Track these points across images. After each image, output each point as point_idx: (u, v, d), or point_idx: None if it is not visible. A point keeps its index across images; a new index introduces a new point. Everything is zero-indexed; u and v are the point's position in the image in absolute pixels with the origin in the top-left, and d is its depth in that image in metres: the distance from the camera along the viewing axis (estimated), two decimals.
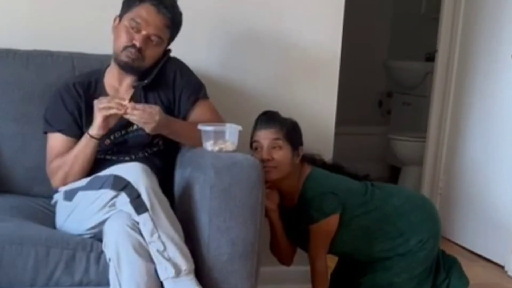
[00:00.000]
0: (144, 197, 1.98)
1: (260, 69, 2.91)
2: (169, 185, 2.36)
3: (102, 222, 2.05)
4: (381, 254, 2.72)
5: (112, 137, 2.33)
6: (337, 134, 3.12)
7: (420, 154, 4.44)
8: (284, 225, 2.69)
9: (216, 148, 2.17)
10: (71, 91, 2.37)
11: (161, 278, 1.96)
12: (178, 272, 1.96)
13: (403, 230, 2.71)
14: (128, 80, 2.38)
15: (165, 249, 1.96)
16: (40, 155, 2.46)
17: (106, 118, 2.17)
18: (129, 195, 1.99)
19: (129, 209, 1.99)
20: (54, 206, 2.32)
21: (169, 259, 1.96)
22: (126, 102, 2.15)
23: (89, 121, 2.27)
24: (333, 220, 2.60)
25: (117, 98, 2.19)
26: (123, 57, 2.30)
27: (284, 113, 2.63)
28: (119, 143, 2.33)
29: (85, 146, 2.23)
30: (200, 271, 2.10)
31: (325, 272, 2.65)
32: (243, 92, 2.88)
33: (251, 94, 2.89)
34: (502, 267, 3.56)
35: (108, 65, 2.44)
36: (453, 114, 4.14)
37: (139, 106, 2.17)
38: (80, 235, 2.10)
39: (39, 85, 2.52)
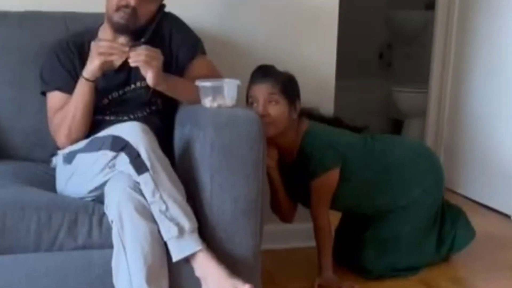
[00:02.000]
0: (144, 156, 1.95)
1: (258, 22, 2.86)
2: (169, 144, 2.33)
3: (103, 184, 2.03)
4: (384, 207, 2.71)
5: (110, 96, 2.30)
6: (337, 88, 3.07)
7: (423, 106, 4.40)
8: (284, 181, 2.67)
9: (215, 104, 2.13)
10: (65, 49, 2.34)
11: (165, 238, 1.95)
12: (181, 231, 1.94)
13: (406, 181, 2.70)
14: (123, 39, 2.33)
15: (167, 208, 1.94)
16: (38, 118, 2.44)
17: (104, 62, 2.13)
18: (128, 155, 1.96)
19: (129, 169, 1.96)
20: (54, 170, 2.29)
21: (172, 219, 1.94)
22: (127, 49, 2.10)
23: None
24: (333, 175, 2.58)
25: (117, 43, 2.13)
26: (117, 18, 2.25)
27: (283, 67, 2.59)
28: (117, 103, 2.30)
29: (83, 91, 2.19)
30: (203, 230, 2.08)
31: (328, 228, 2.64)
32: (240, 46, 2.83)
33: (249, 48, 2.84)
34: (508, 216, 3.56)
35: (101, 23, 2.39)
36: (455, 63, 4.09)
37: (140, 49, 2.11)
38: (81, 198, 2.09)
39: (33, 47, 2.47)
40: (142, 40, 2.30)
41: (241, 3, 2.83)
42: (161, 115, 2.33)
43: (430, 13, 4.45)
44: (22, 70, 2.48)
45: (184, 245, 1.95)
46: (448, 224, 2.85)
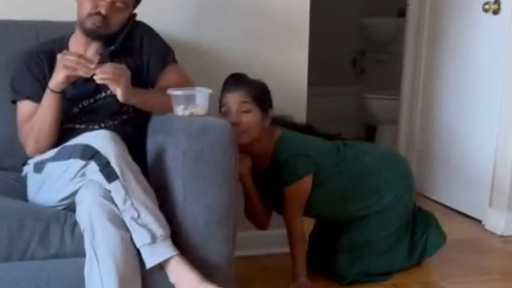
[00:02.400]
0: (114, 164, 1.95)
1: (229, 30, 2.86)
2: (142, 153, 2.33)
3: (74, 193, 2.02)
4: (357, 213, 2.73)
5: (80, 105, 2.29)
6: (311, 95, 3.09)
7: (396, 112, 4.43)
8: (258, 188, 2.68)
9: (187, 113, 2.14)
10: (35, 58, 2.33)
11: (138, 246, 1.94)
12: (154, 238, 1.94)
13: (378, 188, 2.72)
14: (94, 46, 2.33)
15: (139, 216, 1.94)
16: (8, 127, 2.42)
17: (69, 76, 2.12)
18: (98, 163, 1.96)
19: (100, 177, 1.96)
20: (25, 179, 2.28)
21: (144, 226, 1.94)
22: (93, 66, 2.09)
23: None
24: (306, 182, 2.59)
25: (83, 58, 2.11)
26: (89, 24, 2.26)
27: (255, 75, 2.59)
28: (88, 111, 2.30)
29: (49, 102, 2.18)
30: (177, 238, 2.08)
31: (302, 234, 2.66)
32: (212, 54, 2.83)
33: (221, 56, 2.84)
34: (479, 221, 3.60)
35: (72, 32, 2.39)
36: (426, 70, 4.13)
37: (106, 66, 2.10)
38: (52, 206, 2.08)
39: (4, 56, 2.45)
40: (112, 48, 2.30)
41: (212, 11, 2.84)
42: (132, 123, 2.33)
43: (402, 20, 4.49)
44: None
45: (157, 251, 1.95)
46: (420, 230, 2.88)
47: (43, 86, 2.27)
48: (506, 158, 3.42)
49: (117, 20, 2.28)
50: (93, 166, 1.97)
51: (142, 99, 2.24)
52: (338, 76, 5.84)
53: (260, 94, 2.56)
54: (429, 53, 4.11)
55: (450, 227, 3.18)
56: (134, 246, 1.95)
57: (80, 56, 2.11)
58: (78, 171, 1.99)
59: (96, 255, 1.92)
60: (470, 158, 3.71)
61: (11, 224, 1.95)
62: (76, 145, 2.03)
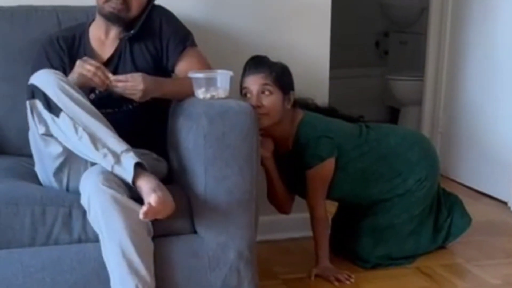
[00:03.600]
0: (53, 97, 1.95)
1: (250, 13, 2.84)
2: (160, 136, 2.33)
3: (51, 144, 2.02)
4: (380, 195, 2.71)
5: (97, 91, 2.29)
6: (334, 78, 3.07)
7: (419, 93, 4.39)
8: (280, 172, 2.66)
9: (208, 96, 2.13)
10: (55, 45, 2.34)
11: (109, 170, 1.93)
12: (117, 157, 1.93)
13: (401, 170, 2.70)
14: (114, 31, 2.34)
15: (96, 138, 1.94)
16: None
17: (83, 83, 2.12)
18: (39, 99, 1.96)
19: (48, 116, 1.96)
20: None
21: (103, 147, 1.94)
22: (110, 75, 2.10)
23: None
24: (329, 164, 2.58)
25: (101, 70, 2.10)
26: (108, 8, 2.26)
27: (276, 58, 2.57)
28: (104, 97, 2.28)
29: None
30: (199, 222, 2.09)
31: (325, 218, 2.64)
32: (232, 37, 2.81)
33: (240, 39, 2.82)
34: (505, 203, 3.56)
35: (93, 19, 2.40)
36: (451, 50, 4.08)
37: (121, 78, 2.12)
38: (56, 171, 2.07)
39: (25, 42, 2.46)
40: (132, 31, 2.30)
41: None
42: (149, 108, 2.30)
43: (426, 1, 4.44)
44: (14, 65, 2.46)
45: (124, 165, 1.94)
46: (444, 212, 2.86)
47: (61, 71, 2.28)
48: None
49: (136, 4, 2.28)
50: (38, 104, 1.97)
51: (163, 92, 2.22)
52: (361, 58, 5.80)
53: (281, 76, 2.54)
54: (453, 33, 4.05)
55: (475, 209, 3.14)
56: (142, 228, 1.94)
57: (98, 67, 2.11)
58: (32, 115, 1.98)
59: (103, 240, 1.93)
60: (495, 139, 3.66)
61: (34, 210, 1.97)
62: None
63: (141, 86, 2.11)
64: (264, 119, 2.45)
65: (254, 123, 2.08)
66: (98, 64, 2.13)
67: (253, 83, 2.49)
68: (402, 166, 2.70)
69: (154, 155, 2.26)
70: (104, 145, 1.94)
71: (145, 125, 2.16)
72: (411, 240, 2.74)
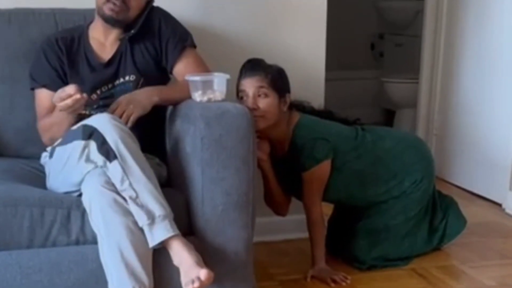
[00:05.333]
0: (110, 142, 1.95)
1: (246, 15, 2.85)
2: (160, 138, 2.34)
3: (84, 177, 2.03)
4: (376, 198, 2.73)
5: (98, 91, 2.31)
6: (329, 79, 3.08)
7: (414, 96, 4.41)
8: (277, 174, 2.68)
9: (205, 98, 2.14)
10: (54, 46, 2.35)
11: (140, 226, 1.94)
12: (152, 219, 1.94)
13: (396, 172, 2.71)
14: (114, 33, 2.35)
15: (137, 196, 1.94)
16: (29, 115, 2.45)
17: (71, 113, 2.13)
18: (96, 141, 1.97)
19: (99, 158, 1.96)
20: (44, 166, 2.31)
21: (142, 206, 1.94)
22: (78, 96, 2.03)
23: (73, 76, 2.27)
24: (325, 166, 2.59)
25: (72, 98, 2.04)
26: (107, 10, 2.27)
27: (272, 60, 2.59)
28: (106, 97, 2.31)
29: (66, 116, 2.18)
30: (196, 224, 2.10)
31: (321, 220, 2.66)
32: (228, 40, 2.83)
33: (238, 41, 2.83)
34: (499, 205, 3.58)
35: (91, 21, 2.41)
36: (446, 53, 4.10)
37: (112, 107, 2.14)
38: (67, 192, 2.09)
39: (23, 44, 2.48)
40: (132, 31, 2.32)
41: None
42: (151, 111, 2.32)
43: (421, 3, 4.46)
44: (12, 66, 2.48)
45: (155, 232, 1.94)
46: (439, 214, 2.87)
47: (60, 75, 2.31)
48: None
49: (135, 5, 2.30)
50: (93, 145, 1.97)
51: (162, 99, 2.24)
52: (356, 60, 5.82)
53: (277, 79, 2.55)
54: (448, 36, 4.07)
55: (470, 211, 3.16)
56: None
57: (69, 95, 2.04)
58: (81, 152, 1.99)
59: (102, 242, 1.94)
60: (490, 141, 3.68)
61: (32, 212, 1.97)
62: (78, 127, 2.05)
63: (135, 101, 2.15)
64: (261, 121, 2.46)
65: (250, 125, 2.09)
66: (68, 93, 2.04)
67: (249, 85, 2.51)
68: (397, 168, 2.72)
69: (157, 160, 2.27)
70: (142, 205, 1.94)
71: (146, 129, 2.18)
72: (407, 241, 2.76)
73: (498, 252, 2.97)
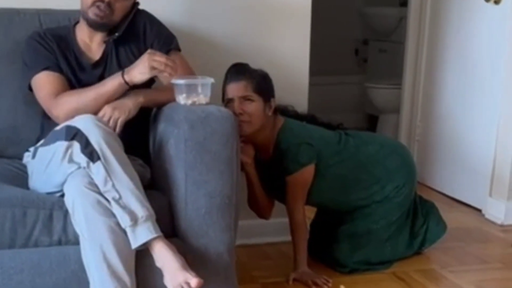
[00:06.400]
0: (94, 143, 1.95)
1: (231, 20, 2.86)
2: (144, 140, 2.35)
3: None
4: (359, 202, 2.75)
5: None
6: (313, 84, 3.10)
7: (397, 101, 4.44)
8: (261, 178, 2.69)
9: (189, 102, 2.15)
10: (44, 38, 2.34)
11: (122, 227, 1.94)
12: (134, 220, 1.94)
13: (379, 177, 2.74)
14: (99, 36, 2.35)
15: (120, 197, 1.94)
16: (11, 115, 2.45)
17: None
18: (80, 142, 1.96)
19: (82, 159, 1.96)
20: (26, 166, 2.30)
21: (125, 207, 1.94)
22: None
23: (63, 70, 2.27)
24: (308, 171, 2.61)
25: (171, 61, 2.15)
26: (91, 15, 2.27)
27: (256, 64, 2.60)
28: None
29: (114, 89, 2.17)
30: (179, 226, 2.11)
31: (304, 223, 2.67)
32: (212, 43, 2.83)
33: (221, 45, 2.84)
34: (479, 210, 3.61)
35: (77, 22, 2.41)
36: (428, 60, 4.14)
37: (99, 115, 2.14)
38: (49, 193, 2.08)
39: (7, 44, 2.46)
40: (116, 34, 2.32)
41: (214, 0, 2.84)
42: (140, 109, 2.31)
43: (405, 10, 4.49)
44: None
45: (138, 233, 1.94)
46: (420, 219, 2.90)
47: (56, 59, 2.28)
48: (506, 148, 3.43)
49: (121, 8, 2.29)
50: (76, 146, 1.97)
51: (147, 101, 2.25)
52: (340, 65, 5.84)
53: (262, 84, 2.57)
54: (431, 43, 4.11)
55: (451, 216, 3.19)
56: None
57: (167, 58, 2.14)
58: (65, 153, 1.99)
59: (84, 243, 1.94)
60: (471, 147, 3.72)
61: (14, 212, 1.97)
62: (61, 128, 2.05)
63: (121, 106, 2.15)
64: (246, 126, 2.48)
65: (234, 129, 2.10)
66: (166, 56, 2.15)
67: (235, 91, 2.52)
68: (380, 173, 2.74)
69: (141, 162, 2.27)
70: (125, 206, 1.94)
71: (130, 130, 2.18)
72: (388, 246, 2.78)
73: (478, 257, 3.00)
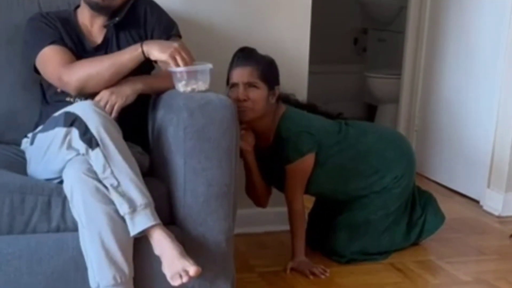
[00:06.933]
0: (93, 129, 1.94)
1: (232, 7, 2.85)
2: (143, 127, 2.34)
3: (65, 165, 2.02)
4: (357, 192, 2.74)
5: None
6: (312, 73, 3.09)
7: (396, 91, 4.43)
8: (260, 166, 2.68)
9: (188, 89, 2.13)
10: (47, 17, 2.32)
11: (121, 214, 1.94)
12: (133, 208, 1.93)
13: (378, 168, 2.73)
14: (99, 21, 2.34)
15: (119, 184, 1.93)
16: (10, 100, 2.44)
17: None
18: (79, 129, 1.95)
19: (81, 145, 1.95)
20: (24, 152, 2.29)
21: (123, 195, 1.93)
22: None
23: (73, 46, 2.26)
24: (308, 160, 2.60)
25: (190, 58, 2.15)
26: None
27: None
28: None
29: (130, 59, 2.16)
30: (177, 214, 2.10)
31: (302, 212, 2.67)
32: (213, 30, 2.82)
33: (222, 31, 2.83)
34: (477, 202, 3.61)
35: (77, 6, 2.39)
36: (428, 50, 4.13)
37: (96, 99, 2.13)
38: (48, 179, 2.07)
39: (6, 28, 2.45)
40: (117, 18, 2.31)
41: None
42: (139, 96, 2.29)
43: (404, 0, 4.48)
44: None
45: (136, 221, 1.94)
46: (418, 210, 2.90)
47: (61, 36, 2.27)
48: (505, 140, 3.43)
49: None
50: (75, 132, 1.96)
51: (145, 88, 2.24)
52: (339, 54, 5.83)
53: (268, 71, 2.55)
54: (431, 32, 4.10)
55: (448, 207, 3.19)
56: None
57: (190, 60, 2.14)
58: (63, 140, 1.98)
59: (83, 230, 1.93)
60: (470, 138, 3.72)
61: (13, 198, 1.96)
62: (60, 114, 2.04)
63: (118, 91, 2.14)
64: (249, 112, 2.47)
65: (234, 117, 2.09)
66: (191, 56, 2.15)
67: (240, 76, 2.50)
68: (379, 163, 2.74)
69: (139, 149, 2.26)
70: (124, 194, 1.94)
71: (129, 117, 2.16)
72: (386, 236, 2.78)
73: (475, 248, 3.01)
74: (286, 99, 2.71)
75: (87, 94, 2.18)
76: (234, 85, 2.50)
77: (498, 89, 3.45)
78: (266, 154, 2.66)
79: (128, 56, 2.17)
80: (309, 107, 2.78)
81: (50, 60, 2.24)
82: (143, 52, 2.15)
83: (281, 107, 2.64)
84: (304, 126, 2.61)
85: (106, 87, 2.17)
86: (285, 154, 2.58)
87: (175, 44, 2.15)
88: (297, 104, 2.75)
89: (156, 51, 2.14)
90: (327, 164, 2.66)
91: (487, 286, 2.60)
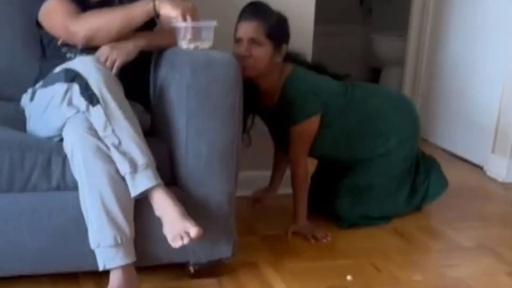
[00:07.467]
0: (93, 86, 1.91)
1: None
2: (145, 85, 2.30)
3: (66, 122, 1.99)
4: (362, 155, 2.71)
5: None
6: (316, 33, 3.03)
7: (402, 53, 4.37)
8: (266, 125, 2.65)
9: (192, 46, 2.09)
10: None
11: (121, 174, 1.91)
12: (134, 167, 1.90)
13: (383, 130, 2.70)
14: None
15: (120, 143, 1.90)
16: (8, 56, 2.42)
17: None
18: (79, 85, 1.92)
19: (82, 102, 1.92)
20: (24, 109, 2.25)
21: (124, 154, 1.90)
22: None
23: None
24: (314, 121, 2.56)
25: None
26: None
27: None
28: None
29: (141, 12, 2.11)
30: (178, 174, 2.08)
31: (305, 176, 2.64)
32: None
33: None
34: (481, 167, 3.59)
35: None
36: (435, 12, 4.06)
37: (99, 52, 2.10)
38: (47, 137, 2.04)
39: None
40: None
41: None
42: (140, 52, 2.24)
43: None
44: None
45: (137, 180, 1.91)
46: (422, 174, 2.87)
47: None
48: (511, 105, 3.38)
49: None
50: (76, 89, 1.93)
51: (147, 44, 2.20)
52: (344, 15, 5.74)
53: (275, 28, 2.46)
54: None
55: (452, 173, 3.16)
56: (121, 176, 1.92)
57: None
58: (64, 96, 1.94)
59: (83, 189, 1.91)
60: (475, 103, 3.68)
61: (12, 155, 1.93)
62: (61, 70, 2.00)
63: (119, 47, 2.10)
64: (250, 70, 2.40)
65: (237, 76, 2.05)
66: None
67: (245, 31, 2.42)
68: (385, 126, 2.70)
69: (141, 107, 2.23)
70: (125, 153, 1.90)
71: (130, 75, 2.12)
72: (389, 200, 2.76)
73: (478, 214, 2.99)
74: (294, 58, 2.64)
75: (94, 45, 2.13)
76: (239, 40, 2.44)
77: (506, 53, 3.40)
78: (271, 114, 2.61)
79: (140, 10, 2.12)
80: (317, 67, 2.71)
81: (56, 11, 2.18)
82: (154, 7, 2.10)
83: (288, 66, 2.57)
84: (310, 87, 2.56)
85: (111, 39, 2.12)
86: (291, 116, 2.54)
87: (189, 4, 2.10)
88: (305, 64, 2.68)
89: (168, 6, 2.08)
90: (333, 126, 2.61)
91: (490, 252, 2.59)
